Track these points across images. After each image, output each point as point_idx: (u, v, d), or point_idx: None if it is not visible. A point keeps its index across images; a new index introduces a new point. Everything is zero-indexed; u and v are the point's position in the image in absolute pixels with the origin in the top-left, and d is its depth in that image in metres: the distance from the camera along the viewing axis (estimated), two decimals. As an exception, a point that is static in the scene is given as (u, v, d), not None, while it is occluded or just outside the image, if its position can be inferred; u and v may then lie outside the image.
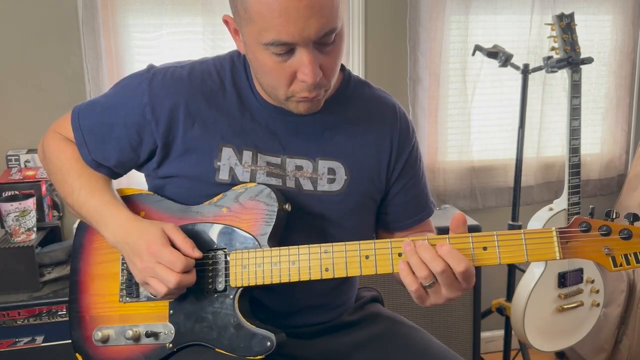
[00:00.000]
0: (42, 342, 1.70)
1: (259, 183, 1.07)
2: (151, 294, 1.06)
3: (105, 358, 1.10)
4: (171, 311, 1.06)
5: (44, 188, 1.91)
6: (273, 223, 1.03)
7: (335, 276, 0.99)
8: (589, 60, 1.87)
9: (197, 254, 1.01)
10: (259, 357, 1.00)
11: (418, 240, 0.94)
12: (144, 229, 1.03)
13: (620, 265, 0.89)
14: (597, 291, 2.03)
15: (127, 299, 1.10)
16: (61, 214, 2.07)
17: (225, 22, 1.04)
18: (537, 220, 1.95)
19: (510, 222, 2.10)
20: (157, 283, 1.00)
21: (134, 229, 1.04)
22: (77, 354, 1.13)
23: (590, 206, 0.94)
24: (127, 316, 1.09)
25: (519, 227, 2.05)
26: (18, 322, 1.70)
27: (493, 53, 2.00)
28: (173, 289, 0.99)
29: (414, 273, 0.93)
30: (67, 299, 1.65)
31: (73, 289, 1.15)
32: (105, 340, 1.09)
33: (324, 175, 1.11)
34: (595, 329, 2.12)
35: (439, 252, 0.91)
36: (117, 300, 1.10)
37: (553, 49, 1.89)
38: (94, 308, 1.12)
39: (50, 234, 1.95)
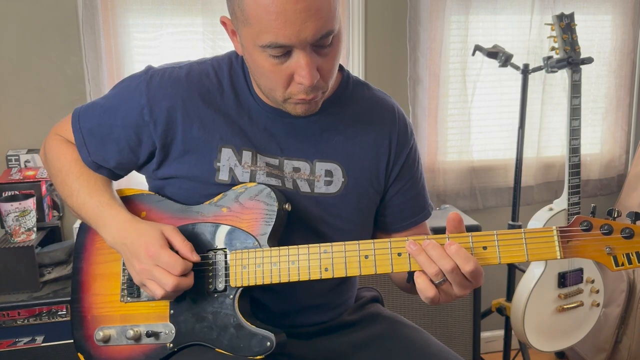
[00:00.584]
0: (42, 342, 1.70)
1: (259, 183, 1.07)
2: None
3: (107, 358, 1.10)
4: (172, 311, 1.06)
5: (44, 188, 1.91)
6: (273, 223, 1.03)
7: (335, 276, 0.99)
8: (589, 60, 1.87)
9: (196, 257, 1.01)
10: (258, 357, 1.00)
11: (420, 239, 0.94)
12: (143, 231, 1.03)
13: (622, 264, 0.89)
14: (597, 291, 2.03)
15: (128, 298, 1.10)
16: (61, 214, 2.07)
17: (223, 23, 1.04)
18: (537, 220, 1.95)
19: (510, 222, 2.10)
20: (155, 285, 1.00)
21: (132, 230, 1.04)
22: (79, 354, 1.13)
23: (592, 205, 0.94)
24: (128, 316, 1.09)
25: (519, 227, 2.05)
26: (18, 322, 1.70)
27: (493, 53, 2.00)
28: (170, 292, 0.99)
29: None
30: (67, 299, 1.66)
31: (75, 288, 1.15)
32: (106, 340, 1.09)
33: (321, 177, 1.10)
34: (595, 329, 2.12)
35: (447, 251, 0.91)
36: (119, 300, 1.10)
37: (553, 49, 1.89)
38: (95, 308, 1.12)
39: (50, 234, 1.95)
